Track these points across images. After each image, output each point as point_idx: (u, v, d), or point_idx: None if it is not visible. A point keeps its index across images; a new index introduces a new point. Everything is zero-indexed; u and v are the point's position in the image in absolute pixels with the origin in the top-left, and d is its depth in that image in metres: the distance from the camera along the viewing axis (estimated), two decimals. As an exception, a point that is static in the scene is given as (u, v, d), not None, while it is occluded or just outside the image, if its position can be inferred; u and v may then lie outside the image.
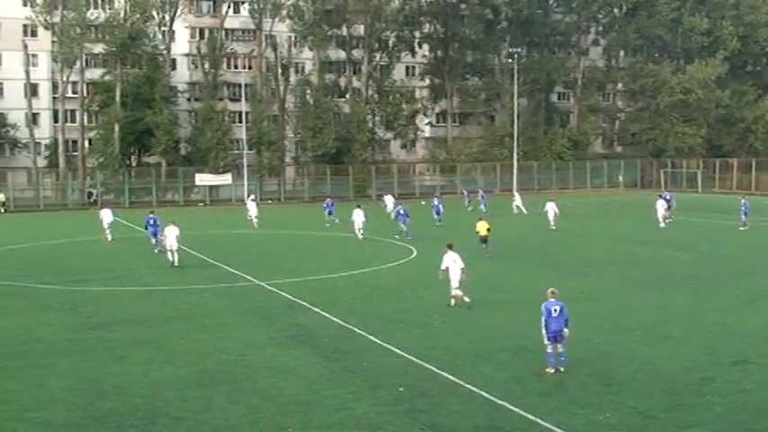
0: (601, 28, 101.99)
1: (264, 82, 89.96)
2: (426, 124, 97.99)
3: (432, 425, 14.81)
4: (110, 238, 46.12)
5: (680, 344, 20.58)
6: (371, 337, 21.27)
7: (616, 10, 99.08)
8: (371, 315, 24.38)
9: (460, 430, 14.57)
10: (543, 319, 17.79)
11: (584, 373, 17.89)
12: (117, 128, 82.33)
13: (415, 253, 38.73)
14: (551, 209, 49.35)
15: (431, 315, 24.26)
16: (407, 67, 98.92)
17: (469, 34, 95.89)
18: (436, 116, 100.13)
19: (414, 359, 19.05)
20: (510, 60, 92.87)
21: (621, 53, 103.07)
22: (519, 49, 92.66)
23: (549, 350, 17.87)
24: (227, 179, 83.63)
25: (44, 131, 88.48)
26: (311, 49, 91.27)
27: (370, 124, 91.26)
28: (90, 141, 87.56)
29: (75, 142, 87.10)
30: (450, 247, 25.91)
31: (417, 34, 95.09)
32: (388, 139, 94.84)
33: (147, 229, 41.72)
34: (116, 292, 29.58)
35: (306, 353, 20.01)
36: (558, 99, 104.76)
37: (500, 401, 15.91)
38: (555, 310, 17.77)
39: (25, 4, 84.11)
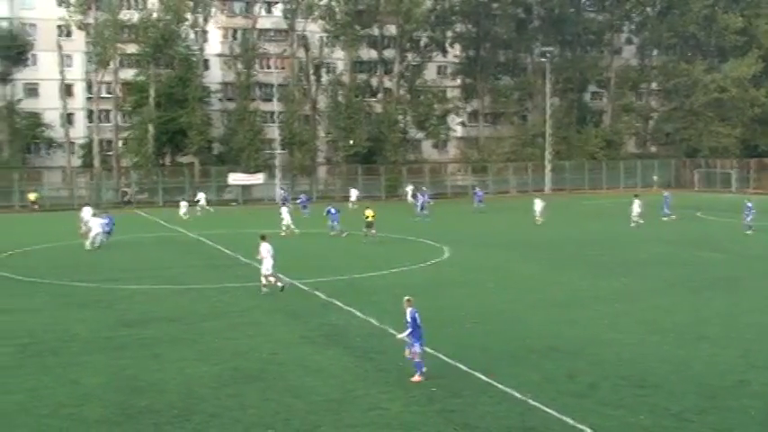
0: (633, 26, 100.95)
1: (296, 82, 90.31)
2: (458, 124, 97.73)
3: (464, 425, 14.79)
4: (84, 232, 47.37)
5: (715, 345, 20.37)
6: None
7: (649, 9, 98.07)
8: (404, 315, 24.30)
9: (493, 431, 14.54)
10: (411, 329, 17.55)
11: (618, 374, 17.77)
12: (151, 128, 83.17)
13: (447, 254, 38.66)
14: (538, 204, 52.51)
15: (463, 315, 24.21)
16: (439, 67, 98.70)
17: (501, 33, 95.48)
18: (468, 116, 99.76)
19: (446, 359, 19.03)
20: (542, 59, 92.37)
21: (655, 52, 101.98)
22: (551, 48, 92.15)
23: (419, 359, 17.52)
24: (259, 179, 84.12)
25: (79, 131, 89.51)
26: (343, 50, 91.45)
27: (402, 124, 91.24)
28: (124, 141, 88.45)
29: (109, 142, 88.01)
30: (263, 238, 29.09)
31: (449, 34, 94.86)
32: (420, 138, 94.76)
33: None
34: (150, 289, 29.85)
35: (338, 352, 20.06)
36: (591, 98, 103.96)
37: (533, 402, 15.85)
38: (417, 317, 17.64)
39: (60, 5, 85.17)
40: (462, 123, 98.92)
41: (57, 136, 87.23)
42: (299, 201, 62.79)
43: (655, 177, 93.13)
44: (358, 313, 24.46)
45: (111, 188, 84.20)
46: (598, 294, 27.55)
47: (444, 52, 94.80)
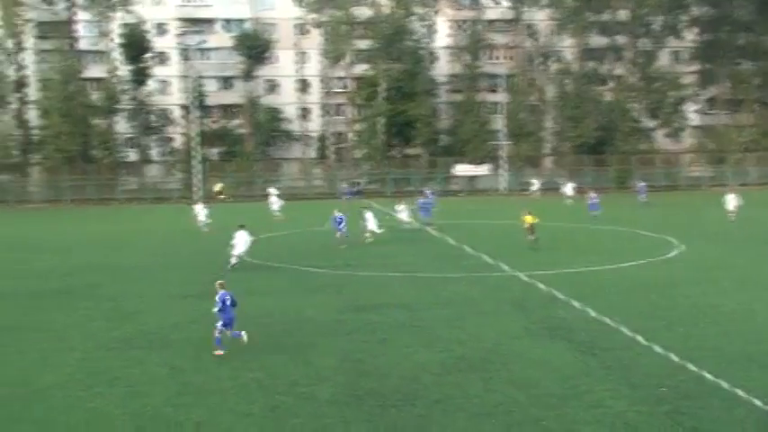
0: None
1: (523, 72, 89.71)
2: (694, 112, 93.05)
3: (693, 429, 14.13)
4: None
5: None
6: (632, 334, 20.56)
7: None
8: (632, 311, 23.60)
9: (727, 436, 13.79)
10: (218, 309, 19.55)
11: None
12: (381, 121, 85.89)
13: (679, 249, 36.96)
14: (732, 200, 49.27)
15: (696, 314, 23.08)
16: (674, 52, 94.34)
17: (742, 15, 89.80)
18: (705, 103, 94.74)
19: (677, 359, 18.20)
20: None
21: None
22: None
23: (219, 335, 19.45)
24: (484, 170, 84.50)
25: (314, 125, 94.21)
26: (571, 37, 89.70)
27: (633, 113, 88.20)
28: (356, 134, 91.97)
29: (342, 135, 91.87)
30: (242, 226, 33.70)
31: (685, 18, 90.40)
32: (652, 128, 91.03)
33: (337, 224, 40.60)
34: (379, 277, 30.82)
35: (562, 346, 19.78)
36: None
37: (771, 409, 14.85)
38: (228, 300, 19.53)
39: (297, 5, 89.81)
40: (698, 111, 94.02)
41: (294, 129, 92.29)
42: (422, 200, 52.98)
43: None
44: (584, 307, 23.93)
45: (344, 179, 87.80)
46: None
47: (679, 37, 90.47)
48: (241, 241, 33.37)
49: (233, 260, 33.03)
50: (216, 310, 19.67)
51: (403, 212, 47.08)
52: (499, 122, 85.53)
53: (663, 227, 45.01)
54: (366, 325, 22.51)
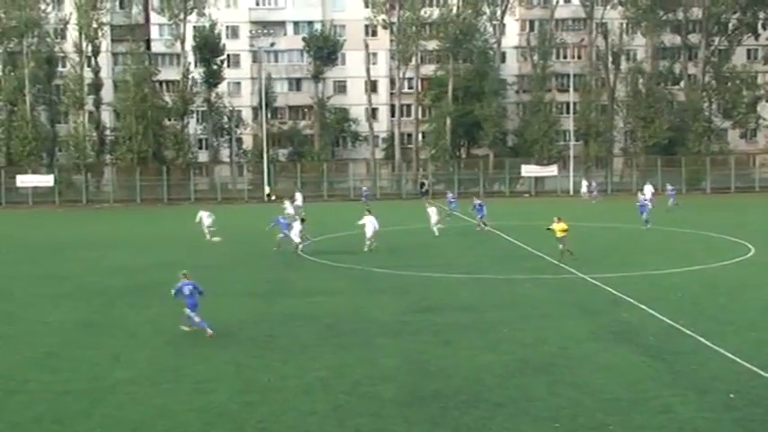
0: None
1: (594, 71, 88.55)
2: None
3: (765, 437, 13.79)
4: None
5: None
6: (700, 339, 20.15)
7: None
8: (701, 315, 23.11)
9: (799, 446, 13.40)
10: (174, 293, 21.71)
11: None
12: (448, 121, 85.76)
13: (753, 251, 36.03)
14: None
15: (768, 318, 22.48)
16: (749, 51, 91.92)
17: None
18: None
19: (747, 365, 17.76)
20: None
21: None
22: None
23: (189, 314, 21.44)
24: (552, 171, 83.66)
25: (382, 125, 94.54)
26: (644, 36, 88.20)
27: (706, 113, 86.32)
28: (423, 134, 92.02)
29: (409, 135, 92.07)
30: (303, 221, 38.99)
31: (761, 15, 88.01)
32: (726, 128, 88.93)
33: None
34: (443, 278, 30.76)
35: (629, 350, 19.47)
36: None
37: None
38: (188, 290, 21.34)
39: (366, 6, 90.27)
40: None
41: (362, 130, 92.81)
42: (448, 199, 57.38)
43: None
44: (652, 311, 23.52)
45: (410, 179, 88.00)
46: None
47: (756, 35, 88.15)
48: (296, 230, 37.82)
49: (299, 246, 37.85)
50: (173, 292, 21.82)
51: (433, 215, 44.93)
52: (568, 123, 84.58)
53: (735, 229, 43.90)
54: (430, 326, 22.50)
